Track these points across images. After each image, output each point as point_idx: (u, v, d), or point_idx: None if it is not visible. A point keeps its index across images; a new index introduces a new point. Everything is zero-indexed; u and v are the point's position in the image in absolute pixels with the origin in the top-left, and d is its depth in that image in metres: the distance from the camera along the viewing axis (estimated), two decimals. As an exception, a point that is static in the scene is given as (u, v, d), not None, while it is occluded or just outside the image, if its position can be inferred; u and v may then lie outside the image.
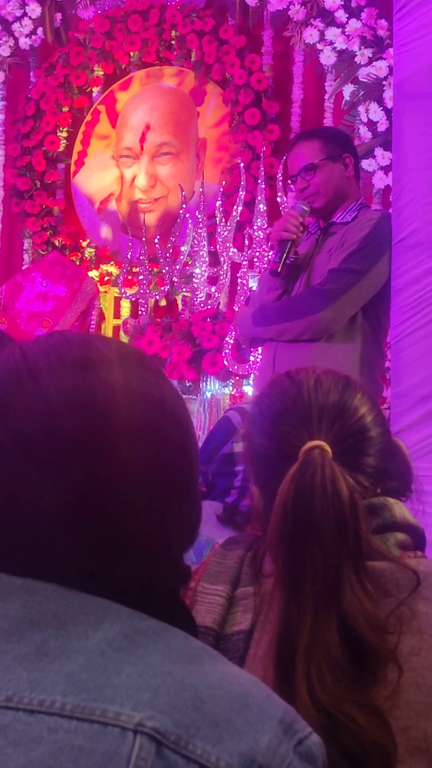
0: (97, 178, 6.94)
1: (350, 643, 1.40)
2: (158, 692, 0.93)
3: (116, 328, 6.51)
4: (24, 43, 6.97)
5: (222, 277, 5.62)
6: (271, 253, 4.30)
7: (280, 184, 5.44)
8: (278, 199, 5.43)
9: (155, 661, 0.96)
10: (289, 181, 4.29)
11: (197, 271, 5.68)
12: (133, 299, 6.18)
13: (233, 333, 4.94)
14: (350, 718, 1.35)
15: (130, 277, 6.19)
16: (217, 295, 5.59)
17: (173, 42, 6.65)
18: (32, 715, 0.92)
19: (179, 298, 6.10)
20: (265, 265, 4.88)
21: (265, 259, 5.22)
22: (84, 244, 6.83)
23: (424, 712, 1.39)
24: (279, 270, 3.89)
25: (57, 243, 6.84)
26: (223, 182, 6.13)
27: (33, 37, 6.95)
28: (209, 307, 5.54)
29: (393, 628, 1.42)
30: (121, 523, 1.03)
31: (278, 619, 1.42)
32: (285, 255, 3.88)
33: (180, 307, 5.99)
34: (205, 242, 5.70)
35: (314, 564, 1.40)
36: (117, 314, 6.61)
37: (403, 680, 1.39)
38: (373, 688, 1.39)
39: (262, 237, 5.39)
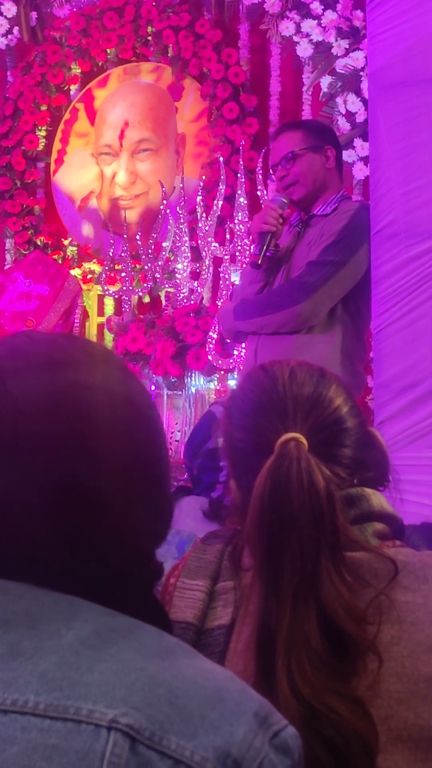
0: (77, 176, 6.93)
1: (330, 634, 1.40)
2: (132, 689, 0.93)
3: (100, 326, 6.51)
4: (0, 42, 6.96)
5: (204, 272, 5.62)
6: (252, 247, 4.30)
7: (260, 177, 5.44)
8: (258, 193, 5.43)
9: (128, 658, 0.96)
10: (270, 171, 4.29)
11: (179, 266, 5.68)
12: (116, 296, 6.18)
13: (216, 327, 4.94)
14: (331, 708, 1.34)
15: (112, 275, 6.18)
16: (199, 290, 5.59)
17: (150, 38, 6.64)
18: (5, 715, 0.92)
19: (162, 294, 6.10)
20: (247, 259, 4.88)
21: (247, 253, 5.22)
22: (66, 242, 6.81)
23: (404, 701, 1.39)
24: (259, 262, 3.89)
25: (39, 242, 6.82)
26: (203, 177, 6.12)
27: (9, 36, 6.94)
28: (192, 302, 5.54)
29: (372, 618, 1.42)
30: (92, 520, 1.03)
31: (257, 612, 1.42)
32: (265, 247, 3.88)
33: (163, 303, 5.99)
34: (186, 237, 5.70)
35: (292, 556, 1.40)
36: (101, 312, 6.61)
37: (384, 670, 1.39)
38: (354, 679, 1.39)
39: (243, 231, 5.39)
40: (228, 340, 4.72)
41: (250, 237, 5.09)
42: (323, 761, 1.33)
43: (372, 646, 1.40)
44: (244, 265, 4.79)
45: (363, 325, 3.90)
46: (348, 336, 3.86)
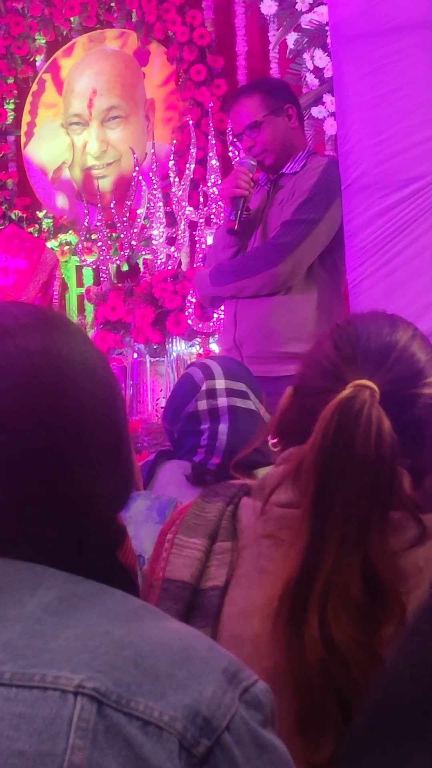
0: (48, 147, 6.89)
1: (371, 589, 1.39)
2: (97, 653, 0.93)
3: (80, 297, 6.50)
4: (-37, 17, 6.91)
5: (180, 237, 5.60)
6: (224, 212, 4.29)
7: (231, 138, 5.41)
8: (230, 154, 5.40)
9: (93, 623, 0.96)
10: (234, 140, 4.26)
11: (155, 232, 5.66)
12: (94, 266, 6.15)
13: (194, 292, 4.93)
14: (356, 661, 1.34)
15: (88, 245, 6.15)
16: (176, 255, 5.57)
17: (113, 4, 6.58)
18: None
19: (140, 262, 6.08)
20: (221, 222, 4.86)
21: (222, 215, 5.20)
22: (41, 215, 6.78)
23: None
24: (236, 228, 3.87)
25: (13, 216, 6.79)
26: (174, 141, 6.09)
27: (-29, 10, 6.88)
28: (170, 267, 5.52)
29: (411, 582, 1.41)
30: (51, 485, 1.02)
31: (300, 552, 1.41)
32: (239, 212, 3.87)
33: (141, 270, 5.97)
34: (160, 203, 5.68)
35: (346, 501, 1.40)
36: (80, 283, 6.59)
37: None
38: (381, 635, 1.38)
39: (216, 194, 5.36)
40: (205, 306, 4.71)
41: (221, 201, 5.07)
42: (328, 711, 1.33)
43: (404, 609, 1.39)
44: (216, 231, 4.77)
45: (341, 281, 3.89)
46: (327, 293, 3.86)
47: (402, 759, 0.56)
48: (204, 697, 0.93)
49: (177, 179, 5.60)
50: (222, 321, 4.82)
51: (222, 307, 4.55)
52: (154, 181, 5.69)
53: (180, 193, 5.59)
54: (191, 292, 5.01)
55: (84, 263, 6.27)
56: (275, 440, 1.59)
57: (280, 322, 3.81)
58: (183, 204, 5.57)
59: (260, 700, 0.97)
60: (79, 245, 6.20)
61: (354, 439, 1.41)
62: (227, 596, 1.50)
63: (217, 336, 5.02)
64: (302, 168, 3.91)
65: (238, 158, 5.18)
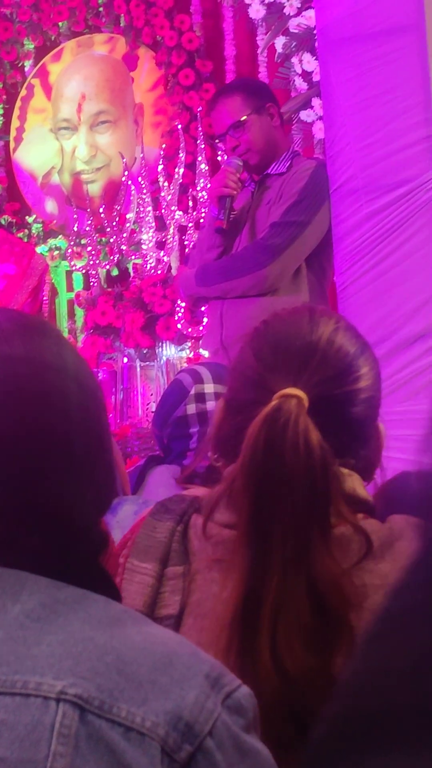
0: (38, 152, 6.88)
1: (318, 610, 1.35)
2: (79, 659, 0.93)
3: (70, 302, 6.49)
4: None
5: (170, 241, 5.60)
6: (207, 212, 4.28)
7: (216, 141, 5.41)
8: (219, 158, 5.40)
9: (76, 629, 0.96)
10: (217, 141, 4.27)
11: (145, 237, 5.66)
12: (83, 271, 6.15)
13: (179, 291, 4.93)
14: (313, 687, 1.30)
15: (78, 250, 6.15)
16: (166, 260, 5.57)
17: (101, 9, 6.58)
18: None
19: (130, 266, 6.08)
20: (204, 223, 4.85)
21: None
22: (30, 220, 6.77)
23: None
24: (225, 227, 3.88)
25: (3, 221, 6.78)
26: (163, 145, 6.10)
27: (-41, 15, 6.88)
28: (159, 272, 5.52)
29: (356, 598, 1.36)
30: (32, 491, 1.02)
31: (242, 578, 1.37)
32: (228, 211, 3.87)
33: (131, 274, 5.97)
34: (150, 207, 5.68)
35: (283, 522, 1.35)
36: (69, 288, 6.58)
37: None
38: (336, 659, 1.34)
39: (206, 198, 5.36)
40: (187, 305, 4.71)
41: (207, 201, 5.07)
42: (287, 738, 1.26)
43: (352, 632, 1.34)
44: (200, 231, 4.76)
45: (327, 284, 3.90)
46: (314, 296, 3.87)
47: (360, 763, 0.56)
48: (186, 703, 0.93)
49: (166, 183, 5.61)
50: (210, 325, 4.82)
51: (203, 309, 4.55)
52: (143, 186, 5.70)
53: (169, 197, 5.59)
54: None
55: (74, 268, 6.27)
56: (215, 456, 1.55)
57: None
58: (172, 208, 5.57)
59: (243, 705, 0.97)
60: (69, 250, 6.20)
61: (283, 454, 1.36)
62: (182, 626, 1.45)
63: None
64: (288, 169, 3.92)
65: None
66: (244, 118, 3.92)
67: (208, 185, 5.33)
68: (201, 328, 5.04)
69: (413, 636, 0.59)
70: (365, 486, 1.52)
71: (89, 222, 5.95)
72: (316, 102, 5.60)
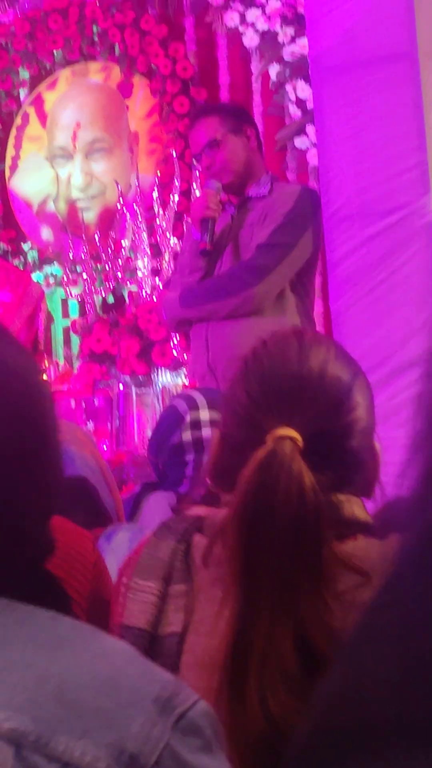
0: (33, 180, 6.90)
1: (304, 654, 1.34)
2: (16, 689, 0.88)
3: (66, 329, 6.48)
4: None
5: (165, 268, 5.62)
6: (188, 235, 4.29)
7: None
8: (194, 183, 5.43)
9: (15, 656, 0.91)
10: (194, 161, 4.29)
11: (140, 264, 5.68)
12: (79, 298, 6.16)
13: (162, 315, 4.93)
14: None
15: (73, 277, 6.17)
16: (161, 286, 5.59)
17: (95, 37, 6.60)
18: None
19: (125, 293, 6.09)
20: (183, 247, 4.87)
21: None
22: (26, 247, 6.78)
23: None
24: (209, 248, 3.89)
25: (-2, 249, 6.80)
26: (158, 173, 6.12)
27: None
28: (155, 299, 5.53)
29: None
30: None
31: (233, 617, 1.36)
32: (211, 233, 3.89)
33: (127, 301, 5.98)
34: (145, 234, 5.70)
35: (271, 568, 1.35)
36: (65, 314, 6.58)
37: None
38: None
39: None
40: (171, 330, 4.72)
41: (189, 224, 5.09)
42: None
43: None
44: (180, 254, 4.76)
45: (310, 307, 3.94)
46: (298, 317, 3.87)
47: None
48: (131, 733, 0.87)
49: (161, 211, 5.63)
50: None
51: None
52: (138, 213, 5.72)
53: (164, 224, 5.61)
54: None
55: (69, 295, 6.28)
56: (212, 484, 1.54)
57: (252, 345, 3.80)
58: (168, 235, 5.59)
59: (197, 724, 0.91)
60: (65, 277, 6.21)
61: (274, 501, 1.35)
62: (185, 643, 1.45)
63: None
64: (270, 192, 3.93)
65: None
66: (220, 136, 3.94)
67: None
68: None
69: (385, 654, 0.58)
70: (366, 501, 1.52)
71: (85, 249, 5.97)
72: (310, 129, 5.63)
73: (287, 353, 1.48)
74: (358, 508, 1.48)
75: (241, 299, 3.81)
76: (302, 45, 5.65)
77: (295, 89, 5.71)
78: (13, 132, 6.96)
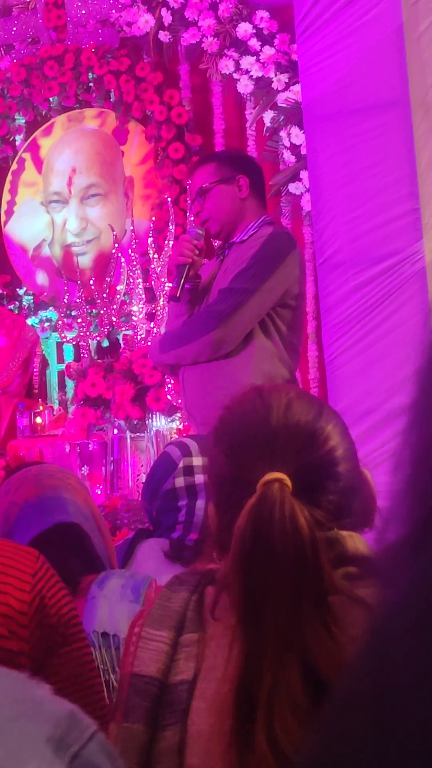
0: (28, 225, 6.93)
1: (313, 686, 1.33)
2: None
3: (60, 373, 6.51)
4: None
5: (160, 313, 5.63)
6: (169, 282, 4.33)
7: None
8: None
9: None
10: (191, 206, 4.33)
11: (135, 308, 5.70)
12: (74, 343, 6.18)
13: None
14: None
15: (68, 321, 6.19)
16: (155, 331, 5.60)
17: (91, 84, 6.66)
18: None
19: (120, 338, 6.11)
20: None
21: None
22: (21, 292, 6.81)
23: None
24: (178, 295, 3.90)
25: (-7, 294, 6.82)
26: (153, 218, 6.15)
27: None
28: (149, 343, 5.54)
29: None
30: None
31: (237, 661, 1.37)
32: (182, 280, 3.89)
33: (121, 346, 6.00)
34: (140, 279, 5.72)
35: (274, 603, 1.35)
36: (60, 359, 6.60)
37: None
38: None
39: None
40: (165, 375, 4.74)
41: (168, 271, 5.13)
42: None
43: None
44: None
45: (288, 348, 3.86)
46: (266, 358, 3.82)
47: None
48: None
49: (156, 255, 5.65)
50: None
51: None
52: (133, 258, 5.74)
53: (159, 269, 5.64)
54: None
55: (64, 340, 6.30)
56: (219, 555, 1.54)
57: (220, 388, 3.78)
58: (162, 280, 5.61)
59: (93, 762, 0.86)
60: (60, 322, 6.23)
61: (272, 541, 1.36)
62: (196, 690, 1.45)
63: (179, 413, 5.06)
64: (249, 237, 3.94)
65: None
66: (208, 186, 3.96)
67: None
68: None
69: (361, 726, 0.58)
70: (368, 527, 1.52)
71: (80, 294, 5.99)
72: (304, 175, 5.67)
73: (252, 411, 1.51)
74: (361, 544, 1.49)
75: (200, 345, 3.81)
76: (296, 92, 5.70)
77: (289, 135, 5.75)
78: (9, 177, 7.00)
